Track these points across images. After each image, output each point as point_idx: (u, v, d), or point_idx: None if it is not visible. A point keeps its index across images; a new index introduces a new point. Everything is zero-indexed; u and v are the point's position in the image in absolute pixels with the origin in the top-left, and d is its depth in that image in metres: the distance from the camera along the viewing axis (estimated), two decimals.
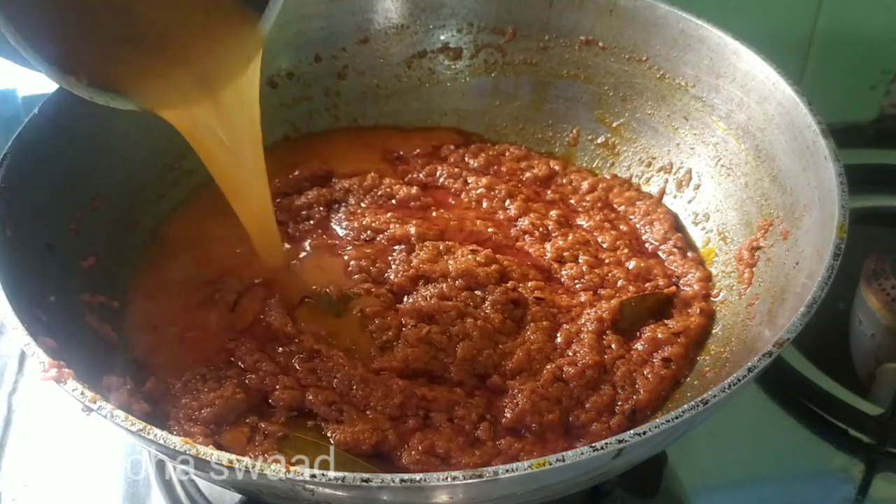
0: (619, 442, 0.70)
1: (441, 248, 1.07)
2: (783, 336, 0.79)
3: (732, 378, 0.75)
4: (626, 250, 1.10)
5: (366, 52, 1.28)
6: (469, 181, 1.20)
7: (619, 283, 1.05)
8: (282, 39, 1.23)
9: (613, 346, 0.97)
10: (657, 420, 0.72)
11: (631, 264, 1.07)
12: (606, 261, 1.08)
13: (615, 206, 1.17)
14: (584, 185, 1.20)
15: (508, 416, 0.91)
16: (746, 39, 1.08)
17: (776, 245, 0.99)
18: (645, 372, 0.95)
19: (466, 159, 1.24)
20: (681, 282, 1.06)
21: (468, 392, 0.93)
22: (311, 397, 0.92)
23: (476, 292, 1.02)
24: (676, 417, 0.72)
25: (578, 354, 0.96)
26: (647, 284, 1.05)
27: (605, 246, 1.11)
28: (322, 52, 1.26)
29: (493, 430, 0.90)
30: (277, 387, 0.92)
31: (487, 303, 1.00)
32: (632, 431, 0.71)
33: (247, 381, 0.93)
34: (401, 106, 1.30)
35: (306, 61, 1.26)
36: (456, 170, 1.22)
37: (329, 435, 0.89)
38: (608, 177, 1.21)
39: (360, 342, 0.98)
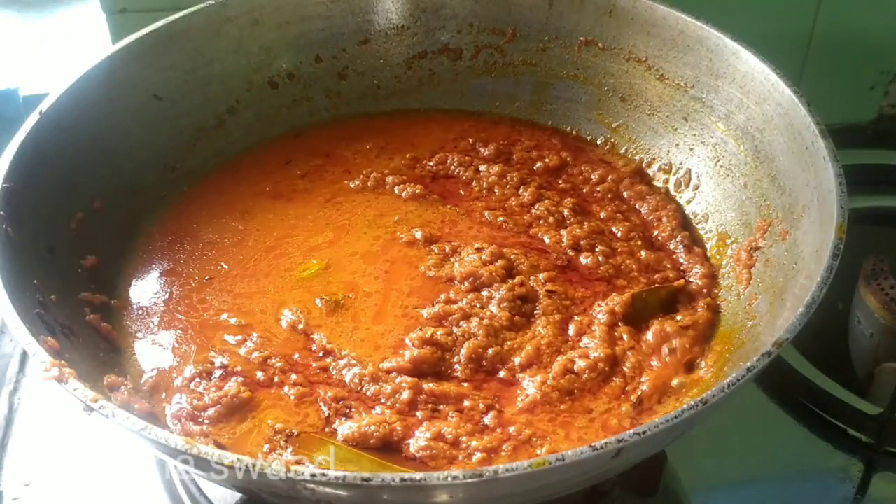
0: (619, 441, 0.70)
1: (447, 249, 1.08)
2: (782, 336, 0.79)
3: (731, 378, 0.76)
4: (639, 242, 1.10)
5: (366, 52, 1.28)
6: (480, 169, 1.20)
7: (632, 274, 1.06)
8: (282, 40, 1.24)
9: (625, 336, 0.98)
10: (657, 419, 0.72)
11: (642, 254, 1.08)
12: (619, 250, 1.09)
13: (625, 197, 1.18)
14: (595, 176, 1.20)
15: (520, 406, 0.92)
16: (745, 40, 1.08)
17: (775, 245, 1.00)
18: (653, 363, 0.96)
19: (477, 147, 1.24)
20: (686, 276, 1.06)
21: (476, 386, 0.94)
22: (321, 393, 0.92)
23: (482, 293, 1.02)
24: (675, 417, 0.73)
25: (590, 347, 0.96)
26: (656, 276, 1.06)
27: (619, 236, 1.11)
28: (323, 53, 1.26)
29: (501, 417, 0.90)
30: (287, 384, 0.93)
31: (494, 302, 1.01)
32: (631, 431, 0.71)
33: (255, 379, 0.94)
34: (401, 106, 1.30)
35: (307, 62, 1.26)
36: (467, 158, 1.22)
37: (337, 430, 0.89)
38: (620, 166, 1.21)
39: (369, 343, 0.99)
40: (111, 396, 0.87)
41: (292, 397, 0.92)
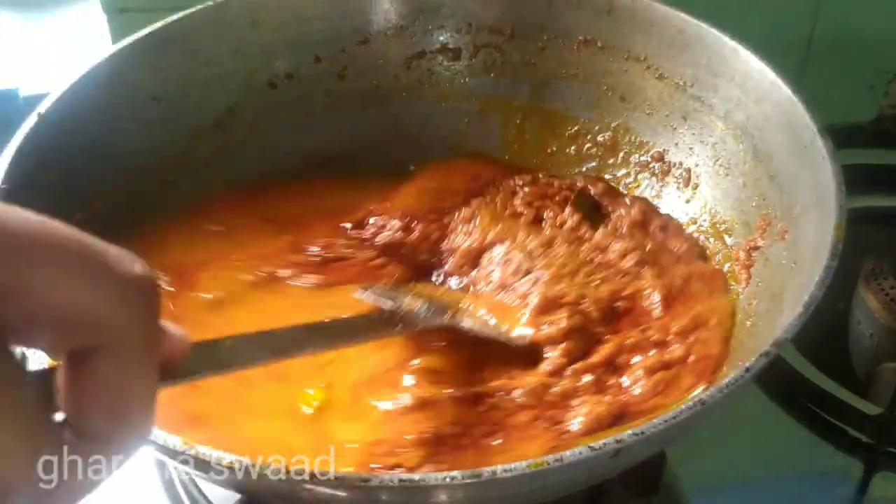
0: (618, 441, 0.70)
1: None
2: (781, 336, 0.79)
3: (730, 378, 0.76)
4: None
5: (365, 53, 1.28)
6: None
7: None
8: (281, 41, 1.23)
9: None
10: (656, 420, 0.72)
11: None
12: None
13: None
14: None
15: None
16: (745, 39, 1.08)
17: (774, 245, 1.00)
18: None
19: None
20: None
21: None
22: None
23: None
24: (675, 417, 0.72)
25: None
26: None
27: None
28: (321, 54, 1.26)
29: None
30: None
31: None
32: (630, 431, 0.71)
33: None
34: (402, 106, 1.30)
35: (306, 63, 1.26)
36: None
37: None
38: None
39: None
40: None
41: None
